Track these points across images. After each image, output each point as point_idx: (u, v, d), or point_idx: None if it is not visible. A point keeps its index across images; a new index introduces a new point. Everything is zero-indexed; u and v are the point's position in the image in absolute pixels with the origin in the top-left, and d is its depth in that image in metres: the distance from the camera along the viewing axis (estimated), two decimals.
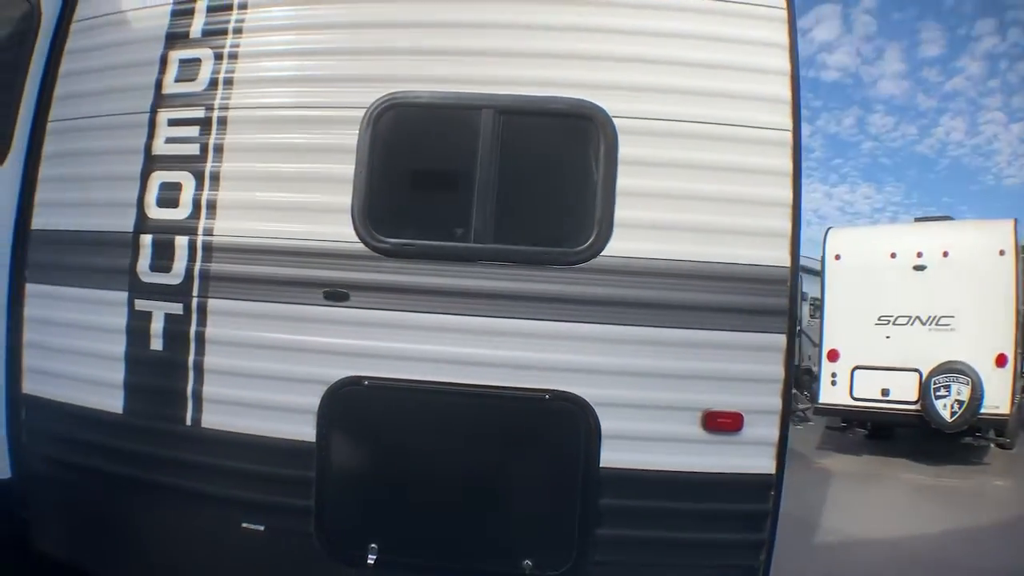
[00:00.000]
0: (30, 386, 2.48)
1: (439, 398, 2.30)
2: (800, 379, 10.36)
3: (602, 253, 2.28)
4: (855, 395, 7.54)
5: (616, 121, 2.30)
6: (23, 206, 2.45)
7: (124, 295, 2.42)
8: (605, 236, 2.28)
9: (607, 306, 2.27)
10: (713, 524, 2.25)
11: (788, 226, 2.27)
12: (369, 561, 2.28)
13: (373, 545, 2.30)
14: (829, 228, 8.23)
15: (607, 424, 2.26)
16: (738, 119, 2.29)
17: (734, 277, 2.27)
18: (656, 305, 2.27)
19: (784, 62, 2.31)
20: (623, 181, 2.29)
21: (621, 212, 2.29)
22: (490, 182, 2.31)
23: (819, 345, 8.10)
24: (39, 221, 2.49)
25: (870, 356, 7.51)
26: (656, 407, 2.26)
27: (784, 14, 2.33)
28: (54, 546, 2.54)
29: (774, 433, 2.25)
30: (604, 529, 2.26)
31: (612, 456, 2.26)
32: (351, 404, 2.33)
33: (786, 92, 2.30)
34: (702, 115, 2.30)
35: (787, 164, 2.28)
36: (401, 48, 2.39)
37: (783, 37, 2.32)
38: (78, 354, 2.44)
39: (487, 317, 2.30)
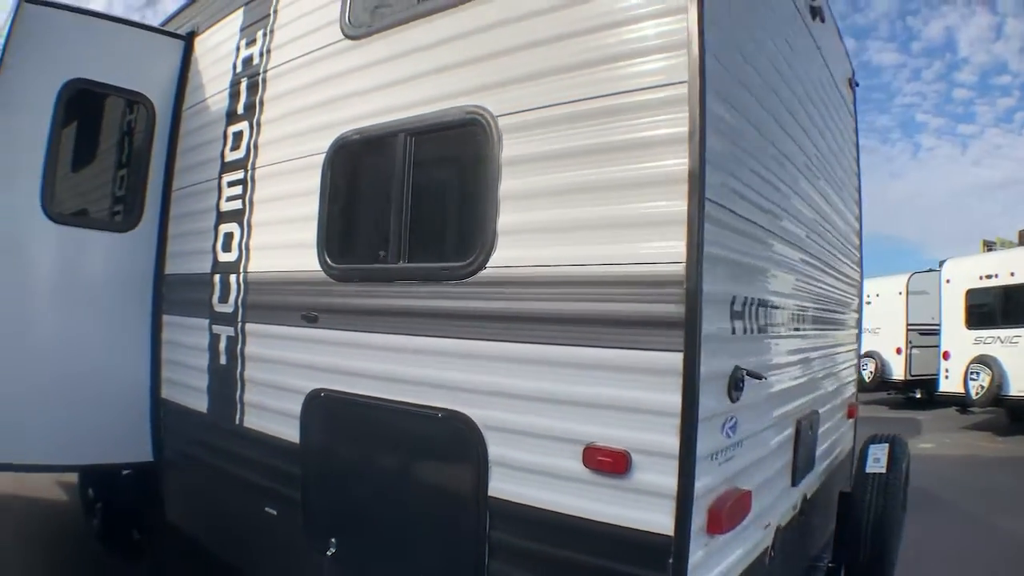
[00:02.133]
0: (165, 392, 3.50)
1: (366, 411, 2.44)
2: None
3: (488, 264, 2.12)
4: None
5: (500, 120, 2.13)
6: (160, 256, 3.51)
7: (207, 321, 3.24)
8: (490, 246, 2.11)
9: (489, 321, 2.10)
10: None
11: (683, 207, 1.73)
12: (329, 552, 2.54)
13: (333, 540, 2.55)
14: None
15: (493, 449, 2.07)
16: (619, 85, 1.86)
17: (615, 281, 1.83)
18: (532, 318, 1.99)
19: None
20: (506, 184, 2.10)
21: (504, 218, 2.09)
22: (404, 202, 2.38)
23: None
24: (169, 268, 3.52)
25: None
26: (536, 435, 1.97)
27: None
28: (178, 519, 3.49)
29: (670, 483, 1.72)
30: (497, 563, 2.06)
31: (499, 486, 2.06)
32: (316, 412, 2.64)
33: (680, 33, 1.76)
34: (579, 92, 1.95)
35: (682, 127, 1.75)
36: (338, 96, 2.65)
37: None
38: (186, 367, 3.35)
39: (398, 335, 2.36)
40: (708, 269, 1.76)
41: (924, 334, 10.62)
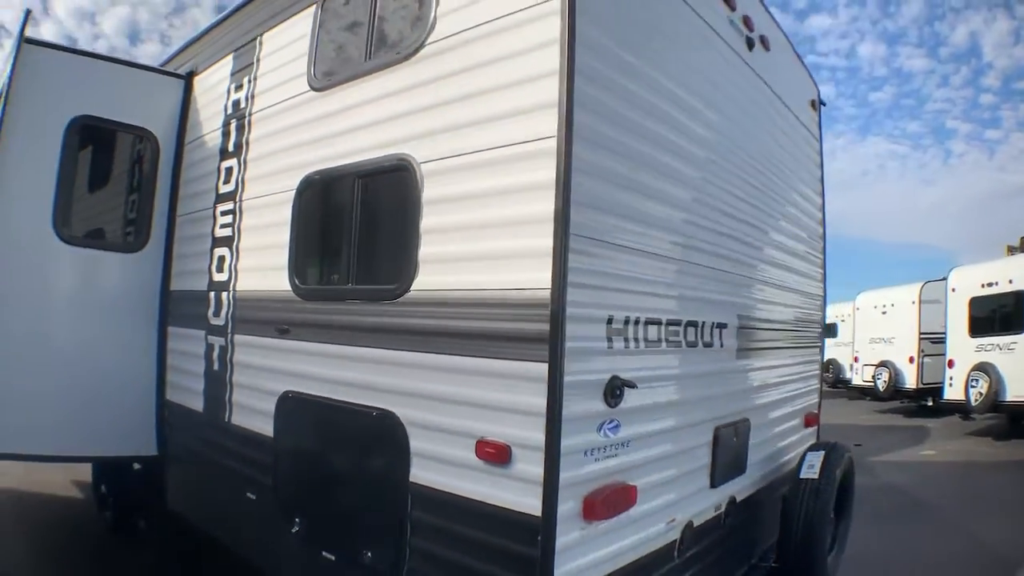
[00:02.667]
0: (169, 393, 4.01)
1: (321, 410, 2.88)
2: None
3: (412, 288, 2.52)
4: None
5: (423, 167, 2.53)
6: (166, 275, 4.02)
7: (203, 332, 3.73)
8: (414, 272, 2.52)
9: (411, 335, 2.50)
10: (491, 557, 2.20)
11: (549, 242, 2.09)
12: (294, 530, 2.97)
13: (297, 519, 2.98)
14: None
15: (414, 443, 2.47)
16: (507, 138, 2.25)
17: (501, 303, 2.22)
18: (443, 333, 2.39)
19: (552, 60, 2.13)
20: (426, 220, 2.50)
21: (424, 249, 2.50)
22: (354, 234, 2.81)
23: None
24: (174, 285, 4.03)
25: None
26: (444, 430, 2.36)
27: (557, 4, 2.14)
28: (178, 506, 3.98)
29: (537, 471, 2.08)
30: (416, 540, 2.45)
31: (418, 473, 2.45)
32: (285, 411, 3.09)
33: (551, 94, 2.11)
34: (477, 144, 2.34)
35: (549, 175, 2.11)
36: (306, 140, 3.11)
37: (554, 31, 2.14)
38: (186, 372, 3.85)
39: (347, 345, 2.78)
40: (575, 293, 2.12)
41: (936, 343, 10.57)
